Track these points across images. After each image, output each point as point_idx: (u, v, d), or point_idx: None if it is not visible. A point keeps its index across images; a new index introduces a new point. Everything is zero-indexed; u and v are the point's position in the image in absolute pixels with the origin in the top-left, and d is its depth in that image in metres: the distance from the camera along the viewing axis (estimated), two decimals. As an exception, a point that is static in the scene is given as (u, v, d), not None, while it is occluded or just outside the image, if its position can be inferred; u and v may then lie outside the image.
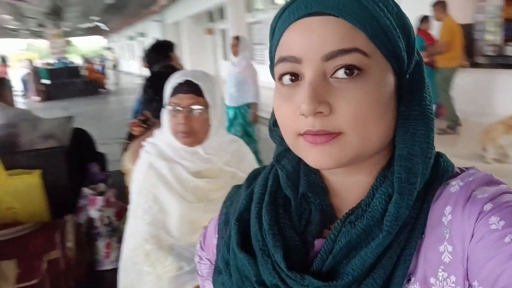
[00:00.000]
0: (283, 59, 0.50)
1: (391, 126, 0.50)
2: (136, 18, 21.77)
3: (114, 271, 1.85)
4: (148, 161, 1.39)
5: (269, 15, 12.34)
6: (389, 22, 0.48)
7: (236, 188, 0.73)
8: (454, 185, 0.49)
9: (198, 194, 1.36)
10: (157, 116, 1.69)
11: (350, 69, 0.46)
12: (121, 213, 1.90)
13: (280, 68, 0.51)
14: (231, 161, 1.44)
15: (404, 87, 0.50)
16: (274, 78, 0.54)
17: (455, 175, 0.52)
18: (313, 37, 0.47)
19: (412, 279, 0.48)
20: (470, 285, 0.45)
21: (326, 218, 0.55)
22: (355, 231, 0.49)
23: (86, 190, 1.80)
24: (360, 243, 0.49)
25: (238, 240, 0.58)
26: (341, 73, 0.47)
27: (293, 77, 0.50)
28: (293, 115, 0.49)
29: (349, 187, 0.55)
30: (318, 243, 0.54)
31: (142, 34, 22.61)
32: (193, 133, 1.33)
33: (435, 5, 5.62)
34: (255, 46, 13.71)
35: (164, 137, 1.40)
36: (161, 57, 2.65)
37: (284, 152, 0.60)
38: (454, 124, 5.69)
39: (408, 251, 0.48)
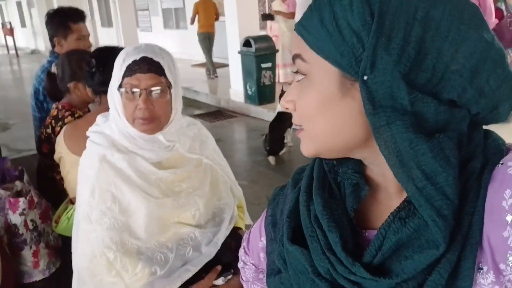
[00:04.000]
0: None
1: (350, 126, 0.50)
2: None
3: (45, 282, 1.60)
4: (99, 154, 1.17)
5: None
6: (327, 29, 0.47)
7: (279, 189, 0.74)
8: (511, 166, 0.46)
9: (162, 188, 1.20)
10: (97, 92, 1.44)
11: (300, 73, 0.53)
12: (46, 214, 1.62)
13: None
14: (193, 146, 1.30)
15: (363, 92, 0.47)
16: None
17: (506, 153, 0.50)
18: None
19: (485, 268, 0.46)
20: None
21: (361, 193, 0.55)
22: (405, 231, 0.48)
23: (1, 192, 1.48)
24: (411, 241, 0.48)
25: (289, 235, 0.58)
26: (300, 77, 0.54)
27: None
28: None
29: (386, 177, 0.55)
30: (369, 234, 0.55)
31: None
32: (155, 118, 1.15)
33: None
34: (139, 12, 12.89)
35: (116, 125, 1.18)
36: (60, 28, 2.20)
37: None
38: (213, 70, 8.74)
39: (472, 240, 0.46)
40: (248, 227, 1.12)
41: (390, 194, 0.55)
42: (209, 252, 1.21)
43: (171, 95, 1.17)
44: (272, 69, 6.18)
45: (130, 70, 1.11)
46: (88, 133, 1.23)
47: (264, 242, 0.73)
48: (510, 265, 0.44)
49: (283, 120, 4.44)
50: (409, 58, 0.45)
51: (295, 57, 0.53)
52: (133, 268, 1.13)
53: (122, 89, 1.13)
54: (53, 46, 2.21)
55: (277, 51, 6.30)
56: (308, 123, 0.53)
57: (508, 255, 0.45)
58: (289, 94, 0.55)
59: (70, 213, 1.42)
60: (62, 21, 2.17)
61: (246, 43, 6.00)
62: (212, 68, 8.73)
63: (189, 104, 7.38)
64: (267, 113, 5.82)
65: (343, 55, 0.47)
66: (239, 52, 6.17)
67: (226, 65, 7.83)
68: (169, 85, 1.16)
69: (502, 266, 0.45)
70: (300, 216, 0.59)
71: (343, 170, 0.57)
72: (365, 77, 0.46)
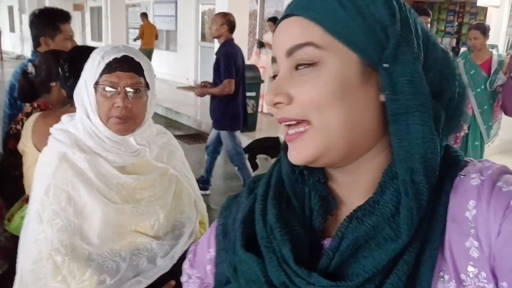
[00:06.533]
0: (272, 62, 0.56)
1: (364, 117, 0.49)
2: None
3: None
4: (60, 151, 1.12)
5: (148, -1, 11.75)
6: (349, 14, 0.48)
7: (232, 198, 0.72)
8: (475, 178, 0.47)
9: (123, 194, 1.16)
10: (71, 95, 1.40)
11: (306, 62, 0.49)
12: (0, 212, 1.53)
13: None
14: (161, 155, 1.26)
15: (385, 78, 0.48)
16: None
17: (465, 165, 0.51)
18: (280, 37, 0.52)
19: (446, 277, 0.46)
20: (497, 283, 0.44)
21: (330, 207, 0.54)
22: (363, 228, 0.48)
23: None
24: (369, 241, 0.48)
25: (243, 242, 0.56)
26: (302, 66, 0.50)
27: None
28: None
29: (352, 186, 0.55)
30: (328, 242, 0.53)
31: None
32: (131, 118, 1.13)
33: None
34: (131, 30, 12.95)
35: (82, 124, 1.15)
36: (48, 27, 2.17)
37: None
38: None
39: (431, 244, 0.47)
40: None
41: (351, 204, 0.54)
42: (165, 265, 1.16)
43: (147, 97, 1.16)
44: (256, 98, 6.22)
45: (110, 68, 1.09)
46: (51, 130, 1.19)
47: (213, 253, 0.71)
48: (470, 276, 0.45)
49: (254, 148, 4.47)
50: (422, 55, 0.50)
51: (301, 46, 0.49)
52: (80, 274, 1.07)
53: (100, 86, 1.10)
54: (36, 46, 2.16)
55: (263, 81, 6.37)
56: (319, 114, 0.48)
57: (468, 266, 0.45)
58: (280, 86, 0.51)
59: (24, 212, 1.35)
60: (50, 21, 2.15)
61: (233, 71, 6.06)
62: None
63: (170, 124, 7.34)
64: (247, 141, 5.81)
65: (368, 42, 0.48)
66: (224, 78, 6.21)
67: (211, 90, 7.85)
68: (147, 86, 1.15)
69: (462, 276, 0.45)
70: (254, 224, 0.57)
71: (314, 180, 0.55)
72: (386, 65, 0.48)
